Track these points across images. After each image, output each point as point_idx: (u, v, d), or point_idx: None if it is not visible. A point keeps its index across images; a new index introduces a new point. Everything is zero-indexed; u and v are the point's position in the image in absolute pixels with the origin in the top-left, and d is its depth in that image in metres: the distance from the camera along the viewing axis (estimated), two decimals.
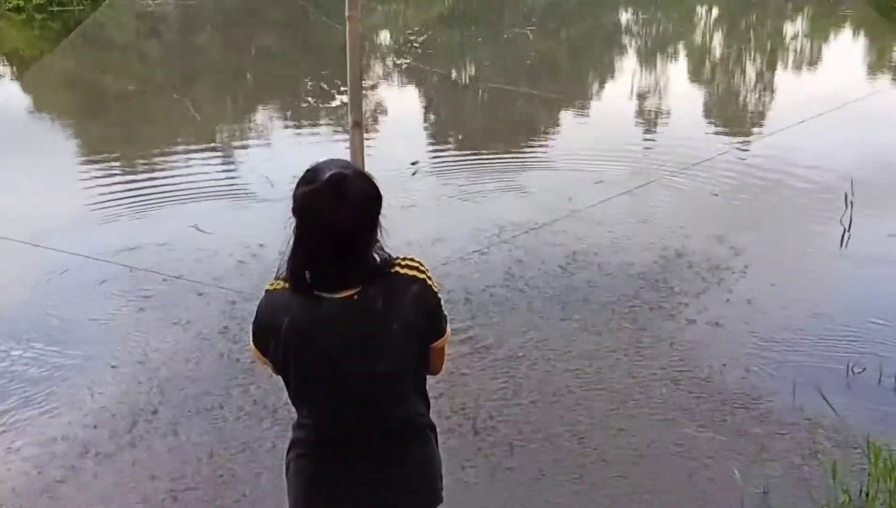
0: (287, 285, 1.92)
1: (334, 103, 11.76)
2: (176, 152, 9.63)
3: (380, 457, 1.97)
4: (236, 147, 10.06)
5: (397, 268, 1.93)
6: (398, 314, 1.90)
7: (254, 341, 1.98)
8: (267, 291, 1.96)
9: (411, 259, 1.96)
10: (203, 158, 9.30)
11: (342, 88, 11.32)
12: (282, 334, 1.89)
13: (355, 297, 1.88)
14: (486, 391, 4.37)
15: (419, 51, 15.68)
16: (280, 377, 2.02)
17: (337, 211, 1.81)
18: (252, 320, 1.98)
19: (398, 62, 15.44)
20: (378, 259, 1.92)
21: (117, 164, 9.10)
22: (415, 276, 1.93)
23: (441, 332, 2.01)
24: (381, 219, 1.92)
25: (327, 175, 1.81)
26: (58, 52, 16.29)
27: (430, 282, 1.95)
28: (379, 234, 1.92)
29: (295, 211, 1.86)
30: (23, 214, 6.88)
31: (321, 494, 2.00)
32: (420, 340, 1.96)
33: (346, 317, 1.88)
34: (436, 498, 2.08)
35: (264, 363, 1.99)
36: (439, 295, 1.98)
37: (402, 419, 2.00)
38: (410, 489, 2.02)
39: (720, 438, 3.99)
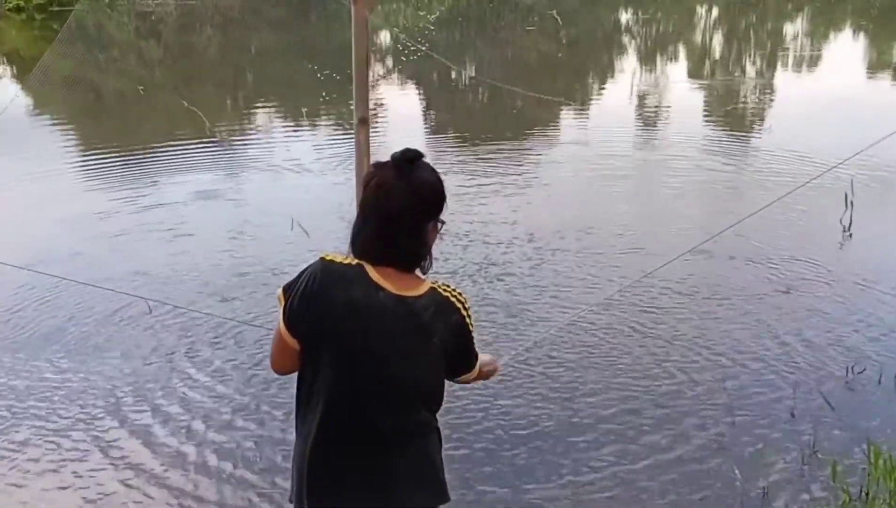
0: (345, 261, 1.95)
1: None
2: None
3: (384, 451, 1.97)
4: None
5: (441, 290, 1.98)
6: (440, 332, 1.95)
7: (287, 297, 1.94)
8: (324, 259, 1.95)
9: (457, 290, 2.01)
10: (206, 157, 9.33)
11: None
12: (334, 307, 1.90)
13: (409, 300, 1.92)
14: None
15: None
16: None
17: (396, 185, 1.90)
18: (295, 278, 1.94)
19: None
20: (426, 263, 1.99)
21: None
22: (457, 307, 1.98)
23: (471, 367, 2.09)
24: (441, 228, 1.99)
25: (401, 151, 1.92)
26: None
27: (467, 319, 1.99)
28: (433, 234, 1.98)
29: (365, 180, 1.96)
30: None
31: (327, 486, 1.99)
32: (448, 364, 2.01)
33: (398, 314, 1.91)
34: (441, 492, 2.07)
35: (284, 320, 1.95)
36: (473, 333, 2.02)
37: (411, 421, 2.00)
38: (416, 482, 2.02)
39: (720, 438, 3.99)
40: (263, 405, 4.30)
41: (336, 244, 5.62)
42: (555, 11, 21.97)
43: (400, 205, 1.91)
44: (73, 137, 11.12)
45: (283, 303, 1.95)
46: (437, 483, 2.06)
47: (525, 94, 10.58)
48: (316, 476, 1.98)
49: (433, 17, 21.98)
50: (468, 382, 2.21)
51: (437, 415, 2.08)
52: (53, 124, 11.76)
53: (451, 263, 6.05)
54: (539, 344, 4.83)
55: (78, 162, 9.57)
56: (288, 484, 3.48)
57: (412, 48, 15.85)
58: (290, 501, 2.10)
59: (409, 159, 1.93)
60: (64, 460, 3.90)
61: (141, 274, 5.99)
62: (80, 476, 3.78)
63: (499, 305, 5.43)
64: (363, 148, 3.39)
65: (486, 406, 4.23)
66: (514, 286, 5.74)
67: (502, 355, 3.79)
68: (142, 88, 13.80)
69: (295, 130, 11.43)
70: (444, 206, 1.99)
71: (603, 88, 15.16)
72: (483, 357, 2.22)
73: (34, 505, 3.62)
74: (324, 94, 12.74)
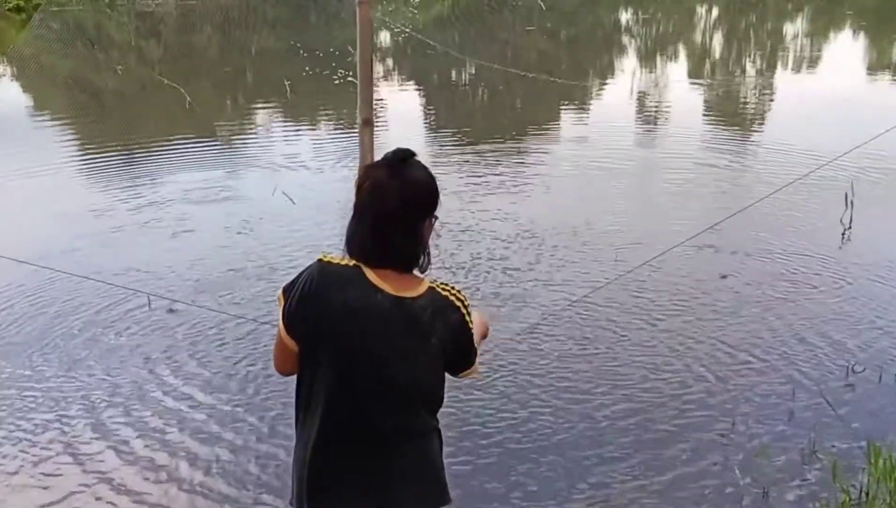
0: (343, 262, 1.95)
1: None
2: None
3: (384, 452, 1.97)
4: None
5: (440, 290, 1.97)
6: (439, 332, 1.94)
7: (286, 298, 1.94)
8: (321, 260, 1.96)
9: (456, 289, 2.00)
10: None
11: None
12: (331, 308, 1.90)
13: (407, 301, 1.92)
14: None
15: None
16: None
17: (390, 184, 1.90)
18: (294, 279, 1.95)
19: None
20: (424, 260, 1.98)
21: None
22: (456, 306, 1.97)
23: (471, 364, 2.08)
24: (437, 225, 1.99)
25: (393, 151, 1.93)
26: None
27: (467, 318, 1.99)
28: (428, 231, 1.97)
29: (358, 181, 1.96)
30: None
31: (327, 487, 1.98)
32: (448, 363, 2.00)
33: (396, 315, 1.91)
34: (442, 493, 2.06)
35: (283, 321, 1.96)
36: (472, 331, 2.01)
37: (411, 422, 2.00)
38: (416, 482, 2.01)
39: (721, 438, 3.97)
40: (256, 404, 4.26)
41: (336, 242, 5.61)
42: None
43: (395, 204, 1.91)
44: (69, 133, 11.09)
45: (282, 304, 1.96)
46: (438, 483, 2.06)
47: (522, 74, 10.58)
48: (316, 479, 1.98)
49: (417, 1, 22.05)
50: (472, 377, 2.20)
51: (439, 416, 2.07)
52: (50, 121, 11.77)
53: (451, 259, 6.05)
54: (533, 329, 4.89)
55: (73, 158, 9.57)
56: (278, 485, 3.48)
57: (397, 30, 15.89)
58: (291, 504, 2.09)
59: (401, 158, 1.94)
60: (57, 459, 3.88)
61: (136, 270, 5.97)
62: (66, 474, 3.76)
63: (500, 298, 5.45)
64: (367, 148, 3.37)
65: (488, 414, 4.22)
66: (514, 280, 5.75)
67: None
68: (120, 67, 13.81)
69: (294, 128, 11.42)
70: (439, 203, 1.98)
71: (603, 87, 15.14)
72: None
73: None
74: (307, 68, 12.73)
